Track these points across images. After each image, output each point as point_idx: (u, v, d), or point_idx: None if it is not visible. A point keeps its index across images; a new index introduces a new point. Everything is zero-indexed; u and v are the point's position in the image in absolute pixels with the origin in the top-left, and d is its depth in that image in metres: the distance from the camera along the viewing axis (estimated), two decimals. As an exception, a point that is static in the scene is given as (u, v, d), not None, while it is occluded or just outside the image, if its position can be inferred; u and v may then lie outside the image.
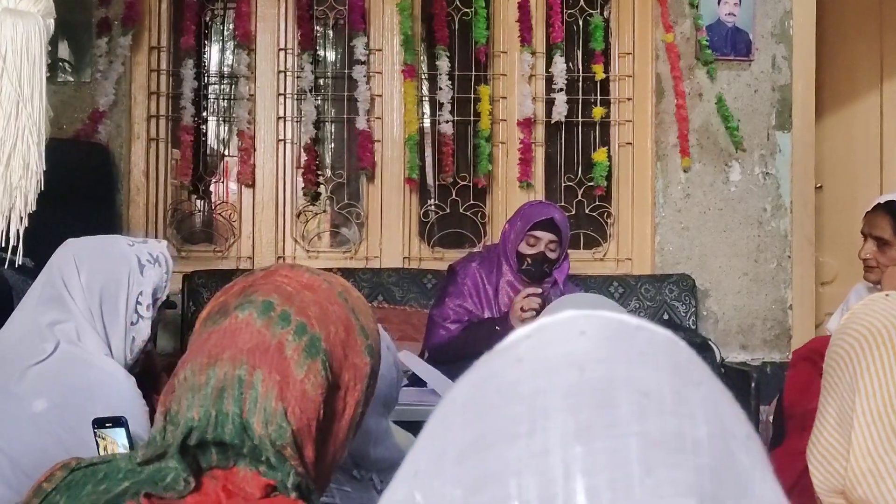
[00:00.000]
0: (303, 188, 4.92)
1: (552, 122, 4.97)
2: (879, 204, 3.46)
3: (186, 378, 1.22)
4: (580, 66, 5.05)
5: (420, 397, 3.23)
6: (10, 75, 1.95)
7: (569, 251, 4.84)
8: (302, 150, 4.90)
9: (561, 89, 4.91)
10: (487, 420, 0.61)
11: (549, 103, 5.00)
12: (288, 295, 1.28)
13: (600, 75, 4.95)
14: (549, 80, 4.98)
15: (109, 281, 2.22)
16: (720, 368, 3.32)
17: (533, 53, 4.96)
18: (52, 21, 2.05)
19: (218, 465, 1.19)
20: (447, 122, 4.86)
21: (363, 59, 4.82)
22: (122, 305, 2.21)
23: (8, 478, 1.99)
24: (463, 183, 4.96)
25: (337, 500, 1.64)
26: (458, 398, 0.66)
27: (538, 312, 3.62)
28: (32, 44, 1.98)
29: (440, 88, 4.85)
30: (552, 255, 3.79)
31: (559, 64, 4.90)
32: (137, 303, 2.22)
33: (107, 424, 1.90)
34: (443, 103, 4.85)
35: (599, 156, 4.95)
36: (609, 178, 5.05)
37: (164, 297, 2.28)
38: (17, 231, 1.92)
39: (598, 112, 4.98)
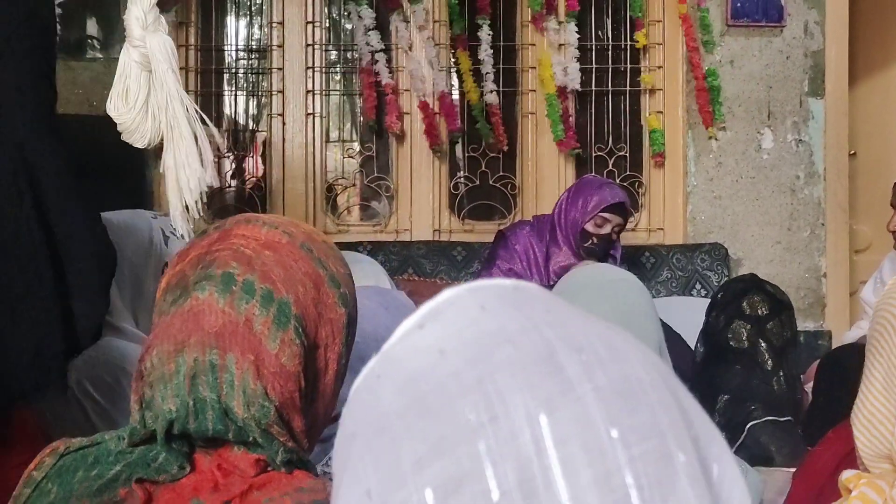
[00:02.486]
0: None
1: (594, 89, 4.94)
2: None
3: (154, 366, 1.18)
4: (610, 35, 4.99)
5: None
6: (169, 89, 2.04)
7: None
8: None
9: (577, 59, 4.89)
10: (441, 419, 0.59)
11: (582, 72, 4.97)
12: (247, 259, 1.23)
13: (643, 41, 4.91)
14: (581, 49, 4.94)
15: (135, 253, 2.23)
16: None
17: (560, 22, 4.91)
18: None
19: (207, 444, 1.17)
20: (491, 91, 4.82)
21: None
22: (148, 276, 2.22)
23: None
24: (493, 154, 4.93)
25: None
26: (390, 405, 0.63)
27: None
28: (173, 60, 2.07)
29: (481, 60, 4.82)
30: (615, 237, 3.86)
31: (573, 33, 4.88)
32: (162, 273, 2.24)
33: None
34: (487, 73, 4.82)
35: (653, 122, 4.92)
36: (640, 147, 5.03)
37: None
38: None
39: (648, 79, 4.95)
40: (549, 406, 0.57)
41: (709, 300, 3.36)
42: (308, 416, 1.24)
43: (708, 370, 2.99)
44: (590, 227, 3.88)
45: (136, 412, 1.18)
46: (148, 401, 1.17)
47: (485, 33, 4.81)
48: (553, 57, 4.88)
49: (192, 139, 2.02)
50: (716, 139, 4.88)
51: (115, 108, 2.14)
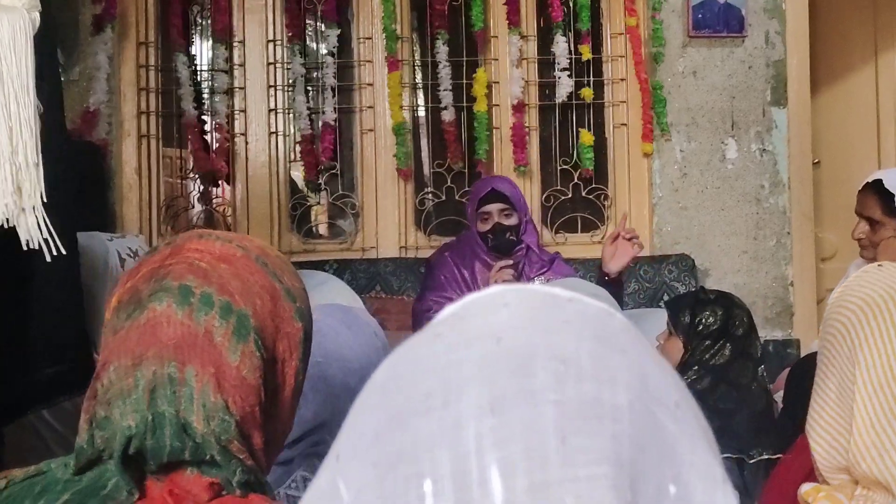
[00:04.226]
0: (305, 179, 4.89)
1: (558, 102, 4.92)
2: (868, 184, 3.43)
3: (112, 382, 1.15)
4: (572, 48, 4.99)
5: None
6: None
7: (566, 233, 4.85)
8: (297, 141, 4.85)
9: (565, 69, 4.86)
10: (402, 396, 0.60)
11: (542, 87, 4.98)
12: (204, 273, 1.20)
13: (587, 55, 4.90)
14: (542, 64, 4.94)
15: (89, 277, 2.20)
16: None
17: (523, 36, 4.92)
18: (38, 14, 2.03)
19: (159, 470, 1.13)
20: (444, 108, 4.81)
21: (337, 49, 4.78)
22: (104, 301, 2.20)
23: None
24: (458, 170, 4.92)
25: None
26: (377, 379, 0.64)
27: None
28: (18, 38, 1.96)
29: (439, 75, 4.81)
30: (509, 222, 3.81)
31: (560, 44, 4.86)
32: None
33: None
34: (441, 90, 4.81)
35: (585, 138, 4.91)
36: (605, 160, 5.03)
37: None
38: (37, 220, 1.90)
39: (587, 93, 4.93)
40: (501, 405, 0.56)
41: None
42: (266, 433, 1.21)
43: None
44: (481, 227, 3.88)
45: (84, 432, 1.14)
46: (101, 420, 1.13)
47: (442, 48, 4.80)
48: (514, 71, 4.87)
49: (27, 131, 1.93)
50: (658, 154, 4.87)
51: None
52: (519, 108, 4.85)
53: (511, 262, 3.76)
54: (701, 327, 2.87)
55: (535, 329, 0.61)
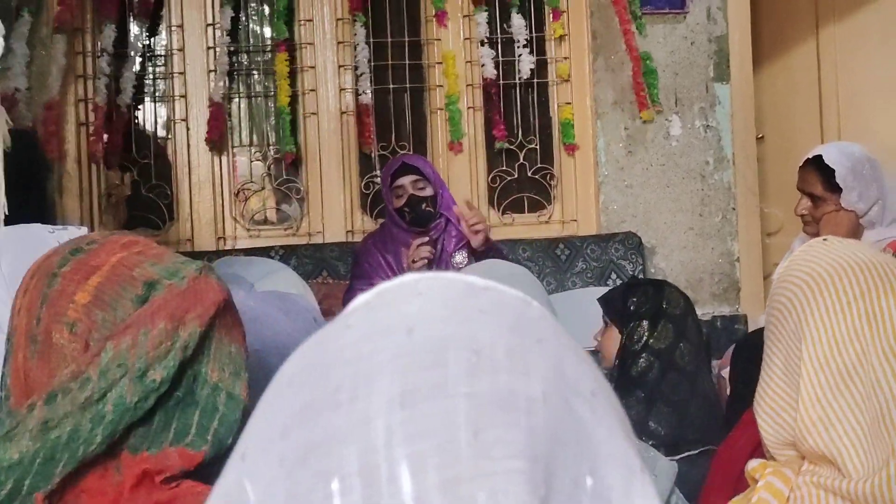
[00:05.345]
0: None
1: (521, 80, 4.91)
2: (808, 160, 3.45)
3: (142, 344, 1.16)
4: (515, 26, 4.96)
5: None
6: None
7: (513, 213, 4.84)
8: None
9: (525, 45, 4.86)
10: (312, 390, 0.58)
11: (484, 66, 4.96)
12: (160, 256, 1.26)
13: (559, 32, 4.90)
14: (484, 44, 4.92)
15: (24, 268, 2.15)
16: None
17: (465, 16, 4.89)
18: None
19: (138, 451, 1.15)
20: (363, 92, 4.80)
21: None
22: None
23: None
24: (403, 152, 4.88)
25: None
26: (286, 371, 0.62)
27: (431, 260, 3.71)
28: None
29: (357, 58, 4.79)
30: (423, 193, 3.81)
31: (517, 20, 4.86)
32: None
33: None
34: (363, 73, 4.79)
35: (565, 114, 4.93)
36: (550, 139, 5.02)
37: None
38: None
39: (563, 69, 4.94)
40: (412, 399, 0.55)
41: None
42: None
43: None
44: (396, 203, 3.87)
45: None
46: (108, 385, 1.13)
47: (360, 30, 4.77)
48: (462, 52, 4.85)
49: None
50: (602, 132, 4.87)
51: None
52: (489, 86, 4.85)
53: (427, 238, 3.75)
54: (633, 307, 2.86)
55: (448, 320, 0.59)
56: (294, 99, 4.87)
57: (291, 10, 4.83)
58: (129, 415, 1.12)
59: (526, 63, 4.84)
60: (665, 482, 1.62)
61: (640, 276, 4.71)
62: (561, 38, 4.98)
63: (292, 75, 4.84)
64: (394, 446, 0.53)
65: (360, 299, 0.63)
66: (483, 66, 4.83)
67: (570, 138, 4.90)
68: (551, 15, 4.94)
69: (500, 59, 4.92)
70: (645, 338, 2.82)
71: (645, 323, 2.83)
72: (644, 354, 2.80)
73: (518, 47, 4.86)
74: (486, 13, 4.87)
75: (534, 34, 4.93)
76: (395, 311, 0.60)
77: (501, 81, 4.91)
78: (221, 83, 4.73)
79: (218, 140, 4.77)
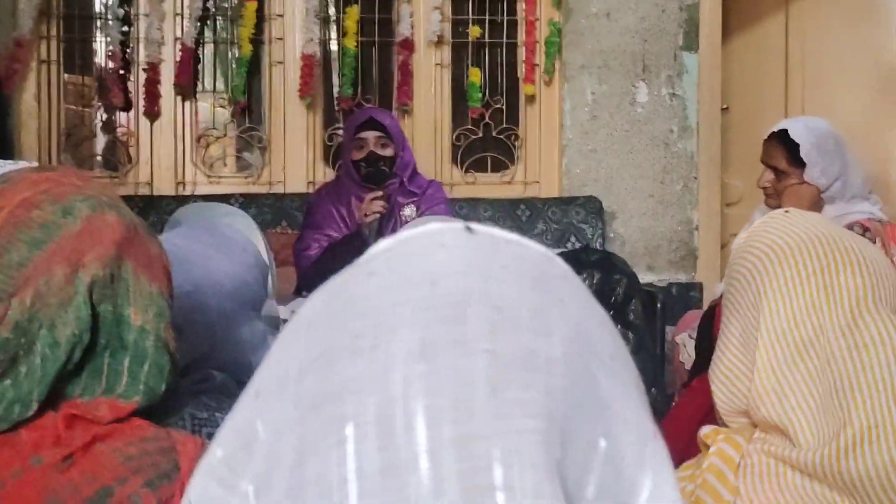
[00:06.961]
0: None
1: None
2: (773, 133, 3.47)
3: (44, 295, 1.11)
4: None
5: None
6: None
7: (476, 172, 4.83)
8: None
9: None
10: (331, 335, 0.57)
11: (457, 24, 4.93)
12: (84, 186, 1.20)
13: None
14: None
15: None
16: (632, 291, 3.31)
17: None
18: None
19: (71, 396, 1.13)
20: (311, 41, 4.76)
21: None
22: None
23: None
24: (369, 106, 4.85)
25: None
26: (305, 314, 0.61)
27: (383, 215, 3.71)
28: None
29: (327, 8, 4.76)
30: (384, 152, 3.78)
31: None
32: None
33: None
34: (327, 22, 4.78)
35: (474, 76, 4.89)
36: (516, 100, 5.01)
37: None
38: None
39: (475, 31, 4.91)
40: (432, 352, 0.55)
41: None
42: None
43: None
44: (355, 155, 3.83)
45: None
46: (28, 341, 1.10)
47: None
48: (413, 7, 4.83)
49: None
50: (569, 96, 4.87)
51: None
52: (404, 45, 4.80)
53: (380, 193, 3.74)
54: None
55: (471, 274, 0.59)
56: (260, 47, 4.83)
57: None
58: (59, 367, 1.10)
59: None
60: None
61: (600, 240, 4.73)
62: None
63: (259, 23, 4.80)
64: (411, 398, 0.53)
65: (382, 245, 0.63)
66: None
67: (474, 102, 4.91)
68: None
69: (472, 17, 4.90)
70: None
71: None
72: None
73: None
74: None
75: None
76: (419, 261, 0.60)
77: (470, 40, 4.89)
78: (193, 28, 4.68)
79: (185, 85, 4.72)
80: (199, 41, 4.79)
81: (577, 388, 0.57)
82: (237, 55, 4.76)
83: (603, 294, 2.84)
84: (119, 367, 1.15)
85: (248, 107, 4.90)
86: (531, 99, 4.96)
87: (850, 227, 3.14)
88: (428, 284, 0.58)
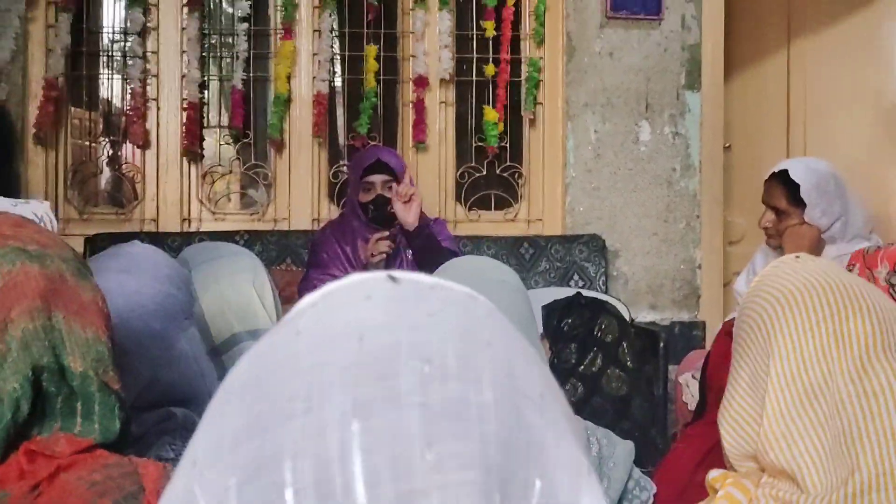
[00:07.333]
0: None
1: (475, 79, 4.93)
2: (774, 174, 3.49)
3: None
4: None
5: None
6: None
7: (479, 210, 4.84)
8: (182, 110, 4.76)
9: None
10: (265, 399, 0.57)
11: (461, 62, 4.97)
12: (14, 236, 1.20)
13: (490, 32, 4.90)
14: (461, 39, 4.93)
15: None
16: (629, 328, 3.31)
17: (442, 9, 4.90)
18: None
19: (29, 436, 1.15)
20: (322, 81, 4.79)
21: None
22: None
23: None
24: (374, 144, 4.88)
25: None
26: (237, 376, 0.61)
27: (389, 255, 3.73)
28: None
29: (332, 47, 4.79)
30: (391, 195, 3.79)
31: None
32: None
33: None
34: (323, 60, 4.78)
35: (489, 115, 4.91)
36: (520, 138, 5.04)
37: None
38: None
39: (489, 70, 4.94)
40: (366, 411, 0.54)
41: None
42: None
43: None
44: (363, 197, 3.86)
45: None
46: None
47: (327, 18, 4.76)
48: (419, 46, 4.85)
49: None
50: (573, 134, 4.90)
51: None
52: (419, 83, 4.83)
53: (387, 233, 3.76)
54: (566, 328, 2.87)
55: (398, 326, 0.59)
56: (266, 84, 4.86)
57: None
58: (7, 422, 1.11)
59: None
60: (622, 471, 1.60)
61: (603, 278, 4.73)
62: (519, 38, 5.00)
63: (264, 61, 4.84)
64: (348, 459, 0.53)
65: (307, 300, 0.63)
66: (435, 61, 4.87)
67: (491, 141, 4.93)
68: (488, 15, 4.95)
69: (476, 55, 4.94)
70: (573, 362, 2.83)
71: (573, 346, 2.84)
72: (571, 379, 2.81)
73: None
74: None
75: (511, 33, 4.94)
76: (344, 315, 0.60)
77: (474, 78, 4.93)
78: (196, 72, 4.72)
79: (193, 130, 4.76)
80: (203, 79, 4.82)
81: (511, 432, 0.57)
82: (273, 93, 4.78)
83: (593, 336, 2.84)
84: (72, 409, 1.16)
85: (254, 143, 4.93)
86: (535, 136, 4.98)
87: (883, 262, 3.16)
88: (356, 340, 0.58)
